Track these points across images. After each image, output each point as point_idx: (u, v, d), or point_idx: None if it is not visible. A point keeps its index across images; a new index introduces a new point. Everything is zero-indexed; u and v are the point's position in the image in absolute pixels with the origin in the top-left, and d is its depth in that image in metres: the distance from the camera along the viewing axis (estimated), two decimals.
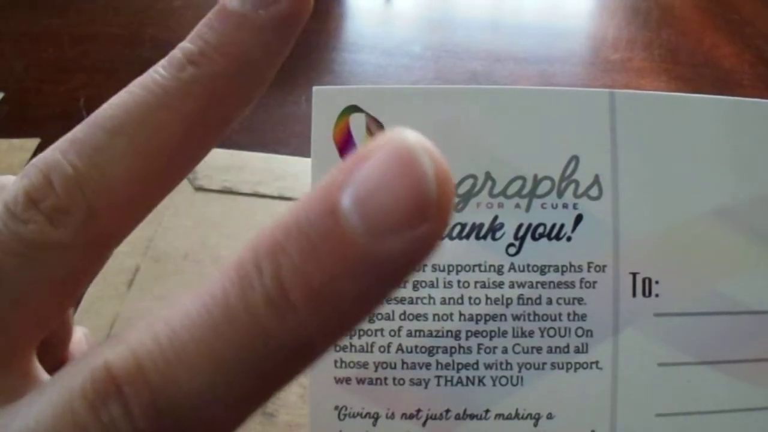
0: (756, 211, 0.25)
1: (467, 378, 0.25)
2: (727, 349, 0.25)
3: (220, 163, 0.48)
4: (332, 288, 0.11)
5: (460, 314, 0.25)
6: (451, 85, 0.54)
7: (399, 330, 0.25)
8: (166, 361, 0.12)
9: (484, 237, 0.25)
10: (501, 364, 0.25)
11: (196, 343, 0.12)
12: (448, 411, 0.25)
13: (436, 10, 0.69)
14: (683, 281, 0.25)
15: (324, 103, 0.25)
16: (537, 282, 0.25)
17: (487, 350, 0.25)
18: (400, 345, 0.25)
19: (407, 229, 0.11)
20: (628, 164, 0.25)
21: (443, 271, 0.25)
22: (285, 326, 0.12)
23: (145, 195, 0.17)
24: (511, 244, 0.25)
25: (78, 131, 0.16)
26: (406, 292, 0.25)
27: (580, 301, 0.25)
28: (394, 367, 0.25)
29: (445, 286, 0.25)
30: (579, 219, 0.25)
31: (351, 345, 0.25)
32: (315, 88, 0.25)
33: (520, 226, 0.25)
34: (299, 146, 0.50)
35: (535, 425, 0.25)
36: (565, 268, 0.25)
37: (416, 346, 0.25)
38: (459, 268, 0.25)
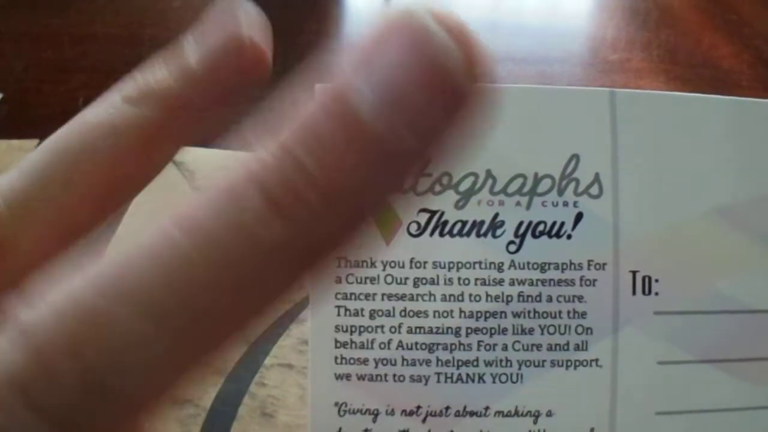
0: (756, 211, 0.26)
1: (467, 375, 0.25)
2: (727, 347, 0.25)
3: (218, 163, 0.48)
4: (348, 180, 0.11)
5: (461, 311, 0.25)
6: None
7: (399, 326, 0.25)
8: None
9: (485, 234, 0.25)
10: (501, 361, 0.25)
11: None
12: (447, 408, 0.25)
13: None
14: (683, 280, 0.25)
15: None
16: (537, 279, 0.25)
17: (487, 347, 0.25)
18: (400, 342, 0.25)
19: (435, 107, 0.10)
20: (629, 163, 0.25)
21: (444, 268, 0.25)
22: (293, 228, 0.11)
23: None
24: (511, 242, 0.25)
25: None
26: (406, 288, 0.25)
27: (580, 298, 0.25)
28: (395, 364, 0.25)
29: (445, 283, 0.25)
30: (579, 217, 0.25)
31: (351, 341, 0.25)
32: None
33: (520, 224, 0.25)
34: None
35: (535, 422, 0.25)
36: (565, 266, 0.25)
37: (416, 343, 0.25)
38: (459, 265, 0.25)
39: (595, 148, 0.25)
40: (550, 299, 0.25)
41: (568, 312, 0.25)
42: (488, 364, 0.25)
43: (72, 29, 0.58)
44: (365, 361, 0.25)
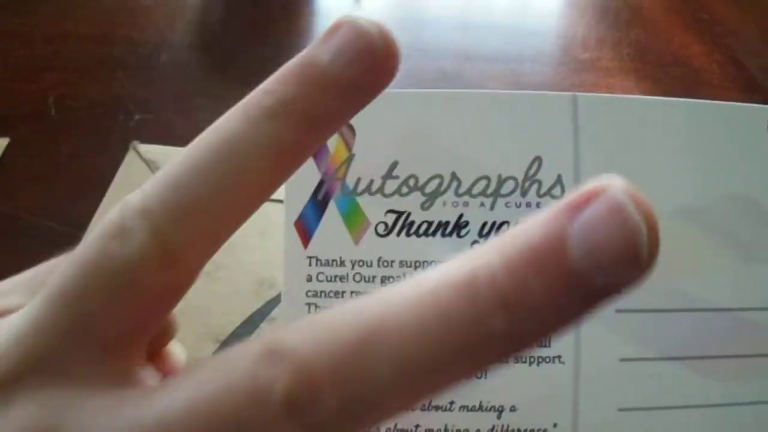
0: (717, 211, 0.26)
1: None
2: (689, 345, 0.26)
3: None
4: (546, 301, 0.12)
5: None
6: (421, 83, 0.55)
7: None
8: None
9: (450, 234, 0.25)
10: None
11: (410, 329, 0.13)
12: None
13: (406, 9, 0.69)
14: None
15: None
16: None
17: None
18: None
19: (622, 270, 0.12)
20: (590, 165, 0.26)
21: (410, 266, 0.25)
22: (501, 327, 0.12)
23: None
24: (475, 242, 0.25)
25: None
26: (374, 287, 0.25)
27: None
28: None
29: None
30: None
31: None
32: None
33: (484, 224, 0.25)
34: None
35: (498, 417, 0.25)
36: None
37: None
38: (425, 264, 0.25)
39: (557, 150, 0.26)
40: None
41: None
42: None
43: (42, 28, 0.58)
44: None
